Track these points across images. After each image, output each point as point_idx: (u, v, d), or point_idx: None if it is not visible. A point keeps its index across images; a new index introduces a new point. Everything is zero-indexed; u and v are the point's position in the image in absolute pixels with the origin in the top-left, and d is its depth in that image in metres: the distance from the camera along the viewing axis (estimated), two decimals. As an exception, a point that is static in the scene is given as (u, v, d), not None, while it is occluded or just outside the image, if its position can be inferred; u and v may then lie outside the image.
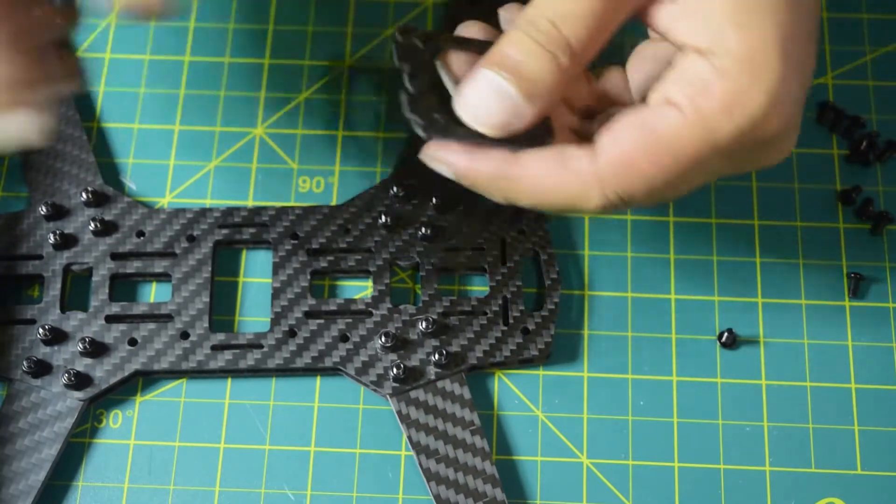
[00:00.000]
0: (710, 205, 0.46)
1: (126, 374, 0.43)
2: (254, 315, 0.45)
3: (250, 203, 0.46)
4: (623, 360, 0.44)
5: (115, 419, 0.43)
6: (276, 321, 0.43)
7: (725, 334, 0.44)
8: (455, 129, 0.34)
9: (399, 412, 0.42)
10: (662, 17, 0.34)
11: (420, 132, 0.35)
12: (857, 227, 0.46)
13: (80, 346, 0.42)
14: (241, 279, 0.45)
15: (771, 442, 0.43)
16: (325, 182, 0.47)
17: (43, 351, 0.43)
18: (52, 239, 0.44)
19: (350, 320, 0.43)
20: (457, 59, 0.35)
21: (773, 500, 0.42)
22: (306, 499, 0.42)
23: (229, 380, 0.44)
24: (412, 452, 0.42)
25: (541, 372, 0.44)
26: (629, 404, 0.43)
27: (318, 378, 0.44)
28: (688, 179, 0.34)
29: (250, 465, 0.42)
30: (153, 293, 0.45)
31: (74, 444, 0.42)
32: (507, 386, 0.44)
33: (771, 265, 0.45)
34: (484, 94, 0.33)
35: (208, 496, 0.42)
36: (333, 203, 0.46)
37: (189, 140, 0.48)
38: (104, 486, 0.42)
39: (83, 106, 0.48)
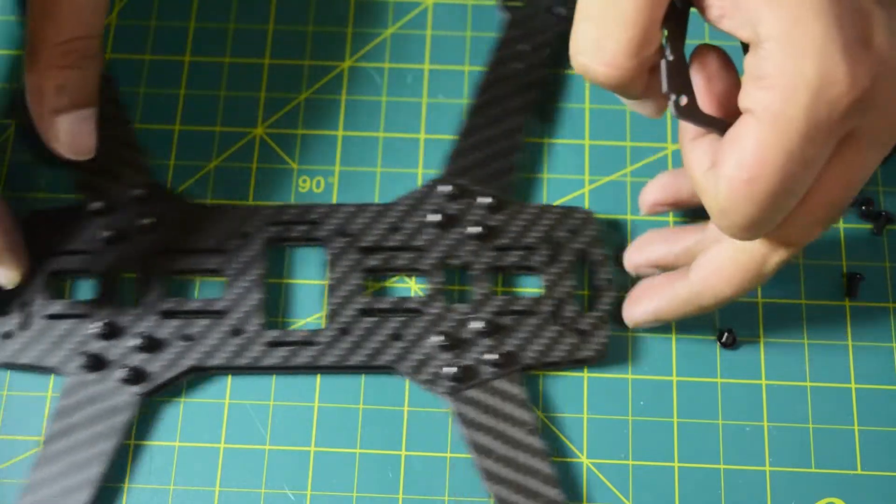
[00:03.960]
0: (710, 205, 0.46)
1: (181, 369, 0.43)
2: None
3: (250, 201, 0.46)
4: (623, 360, 0.44)
5: (115, 419, 0.43)
6: (329, 319, 0.43)
7: (725, 334, 0.44)
8: (697, 115, 0.34)
9: (455, 412, 0.42)
10: (712, 15, 0.33)
11: (671, 108, 0.34)
12: (857, 227, 0.46)
13: (136, 341, 0.42)
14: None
15: (771, 442, 0.43)
16: (325, 182, 0.47)
17: (98, 346, 0.43)
18: (105, 234, 0.44)
19: (403, 318, 0.43)
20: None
21: (773, 500, 0.42)
22: (306, 499, 0.42)
23: (229, 380, 0.44)
24: (470, 453, 0.41)
25: (540, 372, 0.44)
26: (629, 404, 0.43)
27: (318, 377, 0.44)
28: (798, 178, 0.32)
29: (250, 465, 0.42)
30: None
31: (74, 444, 0.43)
32: (507, 386, 0.44)
33: (771, 265, 0.45)
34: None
35: (208, 496, 0.42)
36: (334, 202, 0.46)
37: (189, 140, 0.48)
38: (104, 487, 0.42)
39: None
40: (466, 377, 0.42)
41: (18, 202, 0.46)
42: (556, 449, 0.43)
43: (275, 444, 0.43)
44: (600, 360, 0.43)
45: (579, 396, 0.43)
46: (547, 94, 0.48)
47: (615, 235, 0.46)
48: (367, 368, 0.43)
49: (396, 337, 0.43)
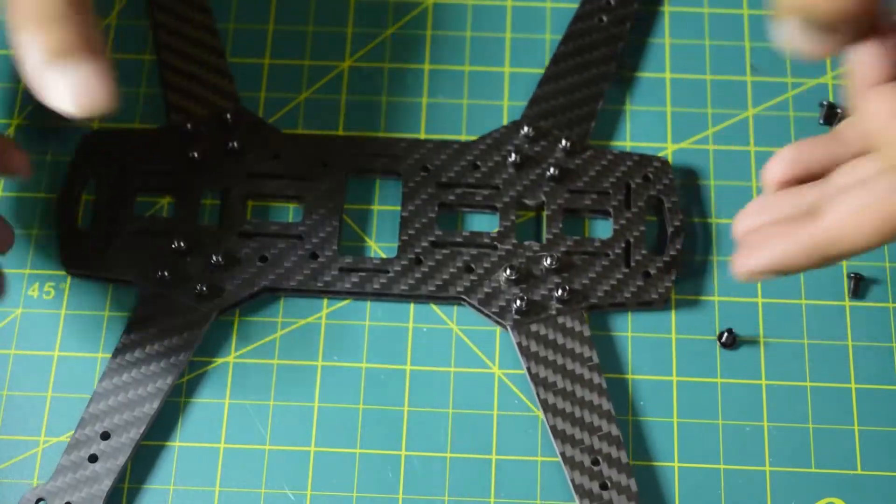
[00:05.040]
0: (710, 205, 0.46)
1: (256, 288, 0.44)
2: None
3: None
4: (624, 361, 0.44)
5: (115, 419, 0.43)
6: (403, 248, 0.44)
7: (725, 334, 0.44)
8: None
9: (519, 344, 0.43)
10: None
11: None
12: (858, 227, 0.46)
13: (214, 258, 0.43)
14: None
15: (771, 442, 0.43)
16: (325, 182, 0.47)
17: (177, 262, 0.44)
18: (190, 155, 0.45)
19: (475, 252, 0.44)
20: None
21: (773, 500, 0.42)
22: (306, 499, 0.42)
23: (230, 377, 0.44)
24: (531, 384, 0.42)
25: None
26: (629, 404, 0.43)
27: (318, 377, 0.44)
28: None
29: (250, 465, 0.42)
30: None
31: (74, 443, 0.43)
32: (506, 386, 0.44)
33: (771, 265, 0.45)
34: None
35: (208, 496, 0.42)
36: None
37: (189, 140, 0.48)
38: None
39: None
40: (532, 311, 0.43)
41: (24, 200, 0.46)
42: (555, 449, 0.43)
43: (275, 444, 0.43)
44: (664, 304, 0.44)
45: (579, 396, 0.43)
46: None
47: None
48: (436, 298, 0.44)
49: (468, 269, 0.44)
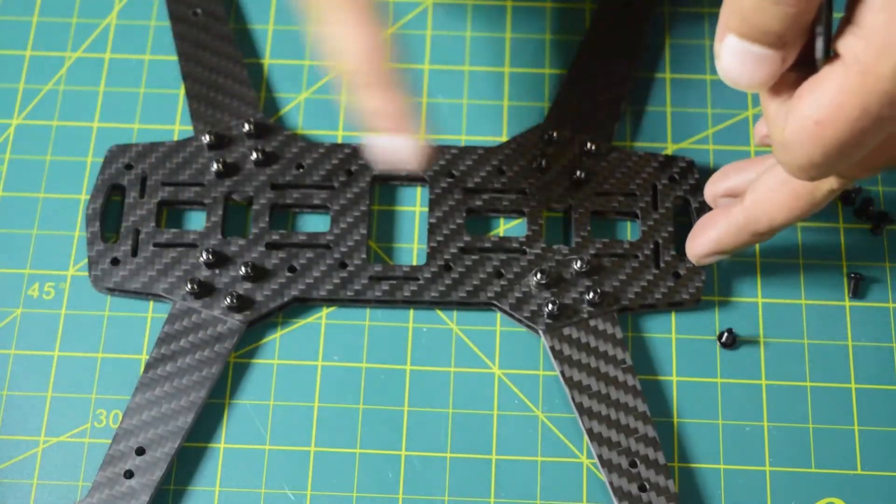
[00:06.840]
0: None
1: (285, 299, 0.44)
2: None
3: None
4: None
5: (114, 419, 0.43)
6: (431, 255, 0.44)
7: (725, 334, 0.44)
8: None
9: (552, 348, 0.43)
10: None
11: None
12: (857, 227, 0.46)
13: (242, 269, 0.43)
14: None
15: (771, 442, 0.43)
16: (325, 182, 0.47)
17: (205, 274, 0.44)
18: (214, 167, 0.45)
19: (504, 258, 0.44)
20: None
21: (773, 500, 0.42)
22: (306, 499, 0.42)
23: (230, 377, 0.44)
24: (565, 388, 0.42)
25: (541, 372, 0.44)
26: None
27: (318, 378, 0.44)
28: (869, 133, 0.31)
29: (250, 465, 0.42)
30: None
31: (75, 444, 0.43)
32: (506, 386, 0.44)
33: (771, 265, 0.46)
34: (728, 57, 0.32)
35: (209, 496, 0.42)
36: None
37: (189, 140, 0.48)
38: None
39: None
40: (564, 315, 0.43)
41: (23, 200, 0.46)
42: (555, 449, 0.43)
43: (275, 444, 0.43)
44: (695, 304, 0.44)
45: (579, 396, 0.43)
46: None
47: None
48: (467, 304, 0.44)
49: (498, 275, 0.44)
